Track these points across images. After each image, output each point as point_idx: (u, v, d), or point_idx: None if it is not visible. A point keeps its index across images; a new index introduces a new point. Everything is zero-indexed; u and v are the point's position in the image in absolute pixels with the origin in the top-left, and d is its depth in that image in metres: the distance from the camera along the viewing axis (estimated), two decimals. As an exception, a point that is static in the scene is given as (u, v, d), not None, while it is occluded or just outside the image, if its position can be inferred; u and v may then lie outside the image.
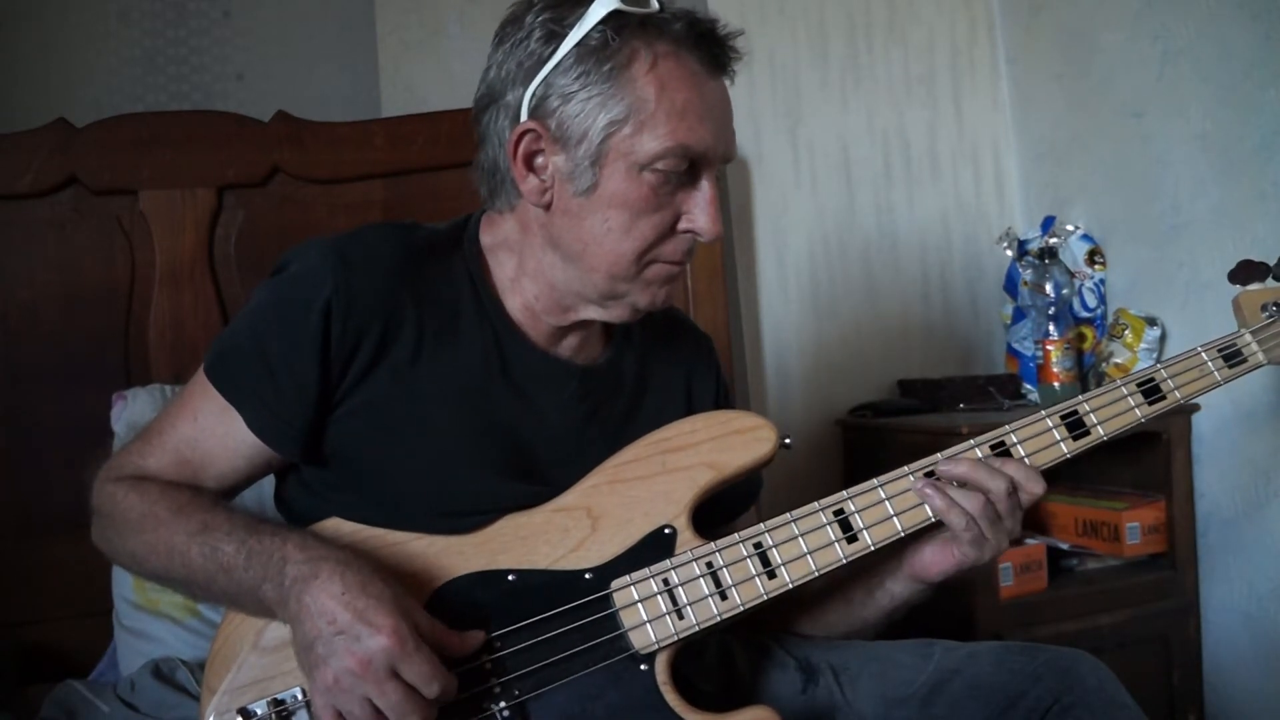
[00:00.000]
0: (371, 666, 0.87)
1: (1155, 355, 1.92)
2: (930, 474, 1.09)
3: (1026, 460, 1.10)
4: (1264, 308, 1.24)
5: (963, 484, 1.07)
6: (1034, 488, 1.08)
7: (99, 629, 1.54)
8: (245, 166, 1.76)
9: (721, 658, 1.19)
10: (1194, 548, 1.86)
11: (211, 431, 1.04)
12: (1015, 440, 1.11)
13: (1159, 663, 1.83)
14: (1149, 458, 1.87)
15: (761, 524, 1.05)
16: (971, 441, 1.11)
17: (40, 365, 1.67)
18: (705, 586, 1.02)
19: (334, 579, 0.90)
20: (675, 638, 1.00)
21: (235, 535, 0.96)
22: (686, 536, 1.03)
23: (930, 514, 1.07)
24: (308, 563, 0.92)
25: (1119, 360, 1.94)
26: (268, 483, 1.13)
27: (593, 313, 1.09)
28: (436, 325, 1.06)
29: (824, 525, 1.05)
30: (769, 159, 2.12)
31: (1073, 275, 2.05)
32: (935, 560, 1.11)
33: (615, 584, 1.01)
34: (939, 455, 1.09)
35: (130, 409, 1.57)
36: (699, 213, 1.04)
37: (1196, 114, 1.84)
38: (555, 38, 1.01)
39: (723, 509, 1.14)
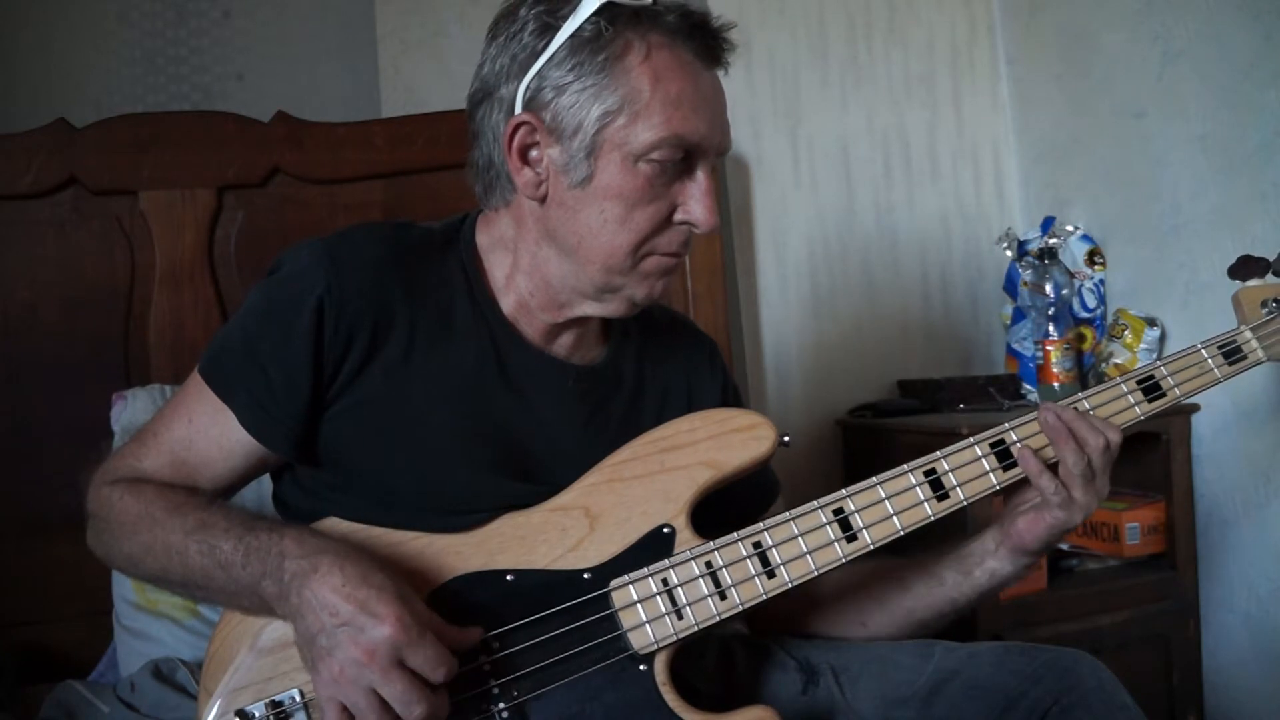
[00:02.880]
0: (377, 656, 0.87)
1: (1155, 355, 1.92)
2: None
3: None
4: (1264, 304, 1.23)
5: (1061, 438, 1.08)
6: (1114, 436, 1.09)
7: (99, 629, 1.54)
8: (245, 167, 1.76)
9: (721, 658, 1.19)
10: (1194, 548, 1.86)
11: (206, 432, 1.04)
12: (1016, 439, 1.11)
13: (1159, 663, 1.83)
14: (1149, 458, 1.87)
15: (760, 523, 1.05)
16: (971, 440, 1.10)
17: (40, 365, 1.67)
18: (704, 586, 1.01)
19: (334, 571, 0.90)
20: (674, 638, 1.00)
21: (232, 532, 0.96)
22: (685, 536, 1.03)
23: (930, 514, 1.07)
24: (306, 557, 0.92)
25: (1119, 360, 1.94)
26: (267, 482, 1.13)
27: (589, 308, 1.09)
28: (430, 323, 1.06)
29: (823, 525, 1.05)
30: (769, 159, 2.12)
31: (1072, 275, 2.05)
32: (1029, 528, 1.10)
33: (614, 584, 1.00)
34: (939, 453, 1.09)
35: (130, 409, 1.57)
36: (695, 204, 1.04)
37: (1196, 114, 1.84)
38: (549, 30, 1.01)
39: (738, 510, 1.13)
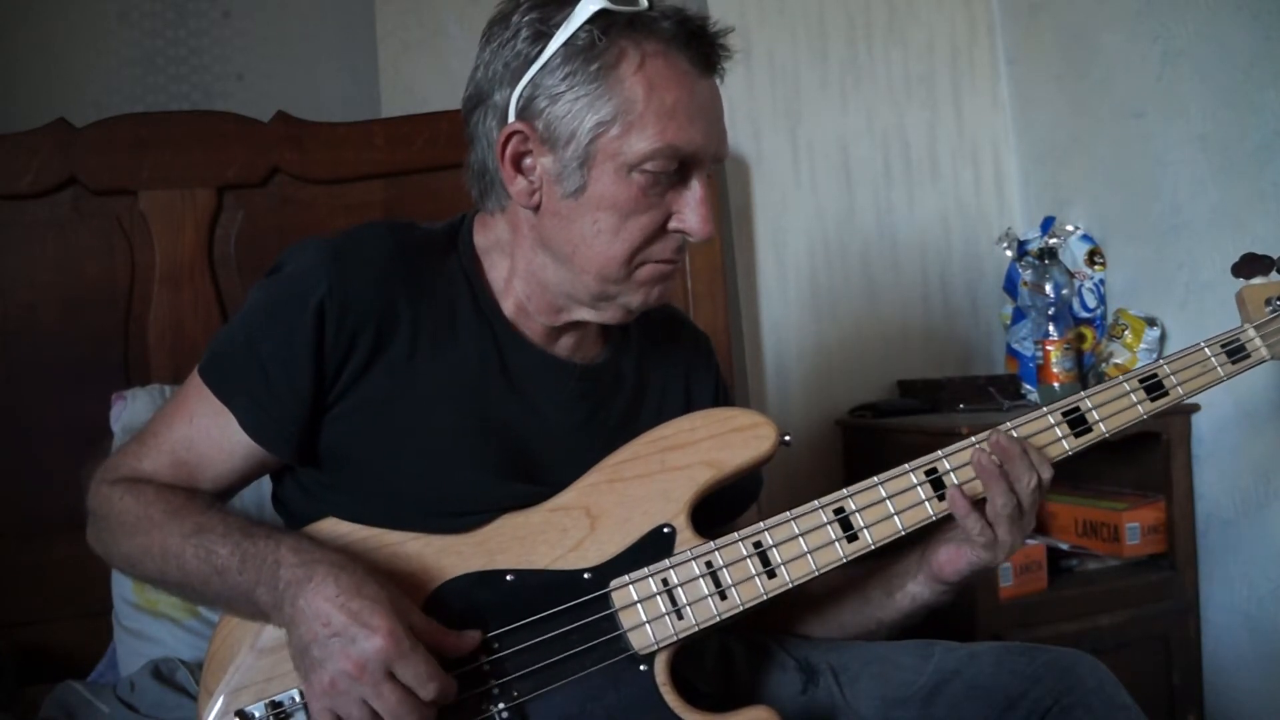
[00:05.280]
0: (367, 669, 0.87)
1: (1155, 355, 1.92)
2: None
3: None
4: (1268, 302, 1.22)
5: (992, 478, 1.05)
6: (1046, 473, 1.07)
7: (99, 629, 1.54)
8: (245, 167, 1.76)
9: (721, 658, 1.19)
10: (1194, 548, 1.86)
11: (207, 433, 1.04)
12: (1016, 437, 1.10)
13: (1159, 663, 1.83)
14: (1149, 458, 1.87)
15: (761, 523, 1.05)
16: (973, 439, 1.10)
17: (40, 365, 1.67)
18: (705, 586, 1.01)
19: (328, 582, 0.90)
20: (674, 638, 0.99)
21: (230, 538, 0.96)
22: (686, 536, 1.03)
23: (932, 513, 1.07)
24: (302, 566, 0.91)
25: (1119, 360, 1.94)
26: (267, 482, 1.13)
27: (585, 314, 1.09)
28: (433, 324, 1.06)
29: (824, 524, 1.05)
30: (769, 159, 2.12)
31: (1072, 275, 2.05)
32: (949, 561, 1.10)
33: (614, 584, 1.00)
34: (940, 453, 1.09)
35: (130, 409, 1.57)
36: (689, 213, 1.03)
37: (1196, 114, 1.84)
38: (542, 37, 1.00)
39: (723, 508, 1.13)
